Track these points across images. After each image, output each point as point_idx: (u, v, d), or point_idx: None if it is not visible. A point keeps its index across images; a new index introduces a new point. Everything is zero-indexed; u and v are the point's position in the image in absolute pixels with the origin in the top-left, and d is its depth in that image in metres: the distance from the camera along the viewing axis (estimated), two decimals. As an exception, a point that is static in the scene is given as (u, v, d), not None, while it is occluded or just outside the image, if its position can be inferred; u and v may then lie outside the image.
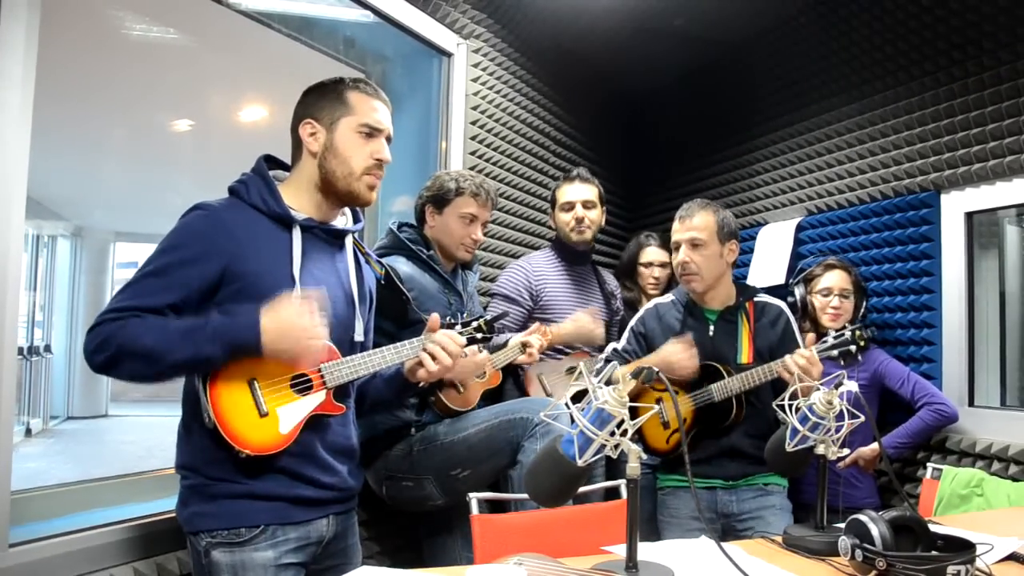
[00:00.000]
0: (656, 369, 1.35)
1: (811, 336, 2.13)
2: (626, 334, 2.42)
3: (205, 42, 2.95)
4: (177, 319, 1.42)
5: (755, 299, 2.34)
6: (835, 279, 2.70)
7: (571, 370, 2.62)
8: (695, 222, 2.27)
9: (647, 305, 2.45)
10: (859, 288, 2.71)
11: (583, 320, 2.57)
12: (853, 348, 2.06)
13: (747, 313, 2.30)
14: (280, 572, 1.49)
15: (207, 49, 2.97)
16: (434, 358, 1.65)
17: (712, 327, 2.30)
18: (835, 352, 2.07)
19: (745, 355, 2.25)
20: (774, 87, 3.46)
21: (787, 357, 2.05)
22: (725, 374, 2.19)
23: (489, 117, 3.12)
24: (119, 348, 1.36)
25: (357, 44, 2.94)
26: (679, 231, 2.29)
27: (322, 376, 1.54)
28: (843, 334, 2.07)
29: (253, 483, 1.48)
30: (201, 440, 1.47)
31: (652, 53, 3.74)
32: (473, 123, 3.02)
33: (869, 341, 2.09)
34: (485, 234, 2.41)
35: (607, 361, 2.40)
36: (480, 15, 3.06)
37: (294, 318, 1.43)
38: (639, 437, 2.35)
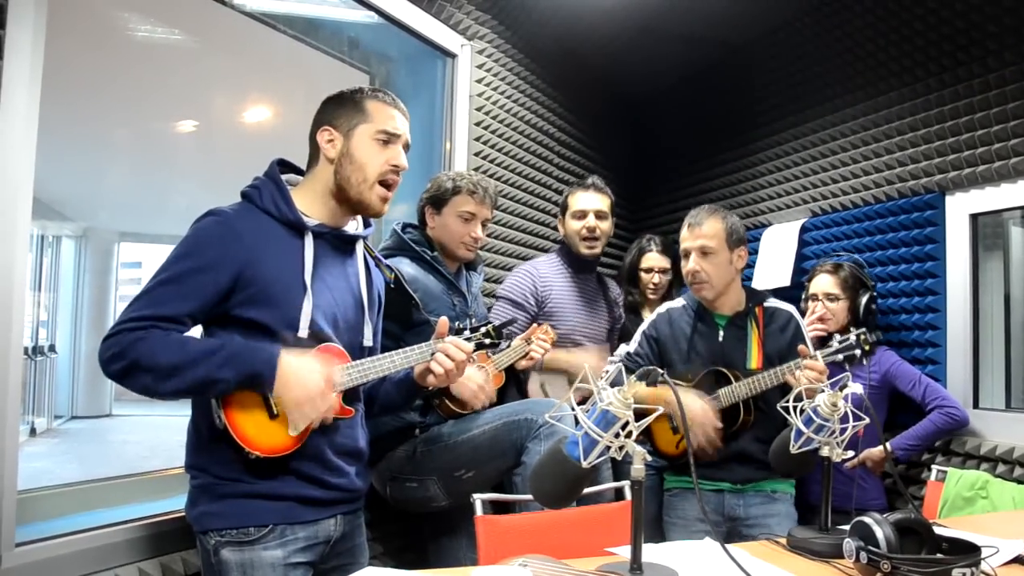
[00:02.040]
0: (660, 370, 1.35)
1: (802, 347, 2.11)
2: (638, 338, 2.41)
3: (210, 43, 2.95)
4: (197, 339, 1.43)
5: (765, 304, 2.33)
6: (819, 284, 2.71)
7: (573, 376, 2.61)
8: (705, 230, 2.25)
9: (659, 309, 2.44)
10: (852, 288, 2.69)
11: (590, 361, 2.51)
12: (858, 353, 2.05)
13: (756, 319, 2.30)
14: (289, 571, 1.50)
15: (212, 50, 2.97)
16: (444, 367, 1.65)
17: (722, 332, 2.29)
18: (840, 357, 2.06)
19: (754, 360, 2.25)
20: (778, 88, 3.46)
21: (797, 372, 2.04)
22: (733, 379, 2.18)
23: (493, 118, 3.13)
24: (135, 361, 1.36)
25: (361, 45, 2.94)
26: (688, 239, 2.28)
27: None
28: (848, 339, 2.06)
29: (262, 483, 1.49)
30: (210, 441, 1.48)
31: (656, 54, 3.74)
32: (477, 124, 3.02)
33: (875, 345, 2.07)
34: (488, 235, 2.40)
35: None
36: (484, 16, 3.06)
37: (313, 382, 1.44)
38: (649, 441, 2.35)
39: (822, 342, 2.55)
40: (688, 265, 2.27)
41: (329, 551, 1.61)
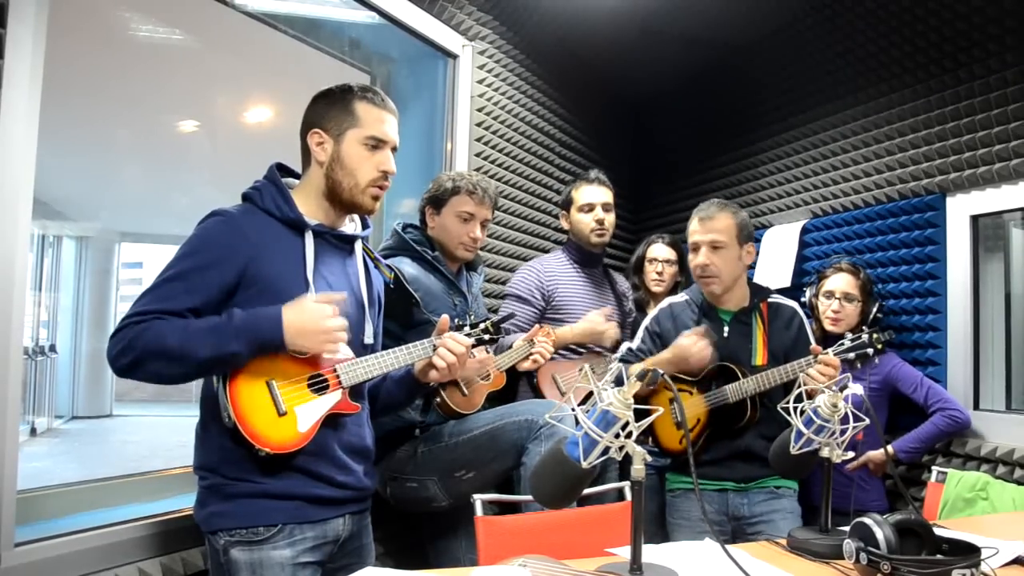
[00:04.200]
0: (661, 371, 1.35)
1: (815, 347, 2.11)
2: (640, 333, 2.41)
3: (211, 43, 2.95)
4: (199, 320, 1.44)
5: (769, 300, 2.33)
6: (839, 282, 2.69)
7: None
8: (716, 224, 2.24)
9: (661, 304, 2.44)
10: (867, 293, 2.70)
11: (594, 319, 2.57)
12: (871, 351, 2.03)
13: (761, 314, 2.30)
14: (297, 571, 1.51)
15: (213, 50, 2.97)
16: (445, 361, 1.67)
17: (727, 328, 2.29)
18: (852, 355, 2.05)
19: (759, 357, 2.24)
20: (779, 89, 3.46)
21: (810, 369, 2.03)
22: (740, 375, 2.18)
23: (494, 119, 3.13)
24: (143, 350, 1.38)
25: (363, 46, 2.94)
26: (699, 232, 2.27)
27: (338, 376, 1.56)
28: (860, 337, 2.05)
29: (270, 482, 1.50)
30: (219, 440, 1.49)
31: (657, 55, 3.74)
32: (478, 124, 3.02)
33: (887, 344, 2.06)
34: (489, 235, 2.40)
35: (622, 361, 2.39)
36: (485, 17, 3.06)
37: (316, 314, 1.46)
38: (652, 436, 2.35)
39: (829, 341, 2.55)
40: (698, 259, 2.26)
41: (338, 551, 1.62)
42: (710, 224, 2.25)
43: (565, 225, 2.85)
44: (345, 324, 1.52)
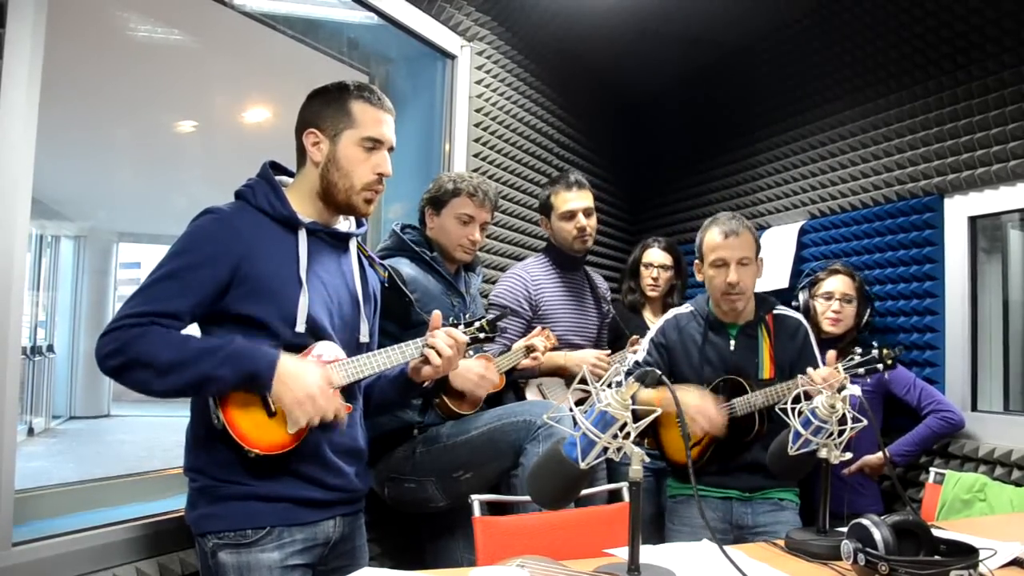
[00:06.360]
0: (659, 372, 1.35)
1: (832, 353, 2.09)
2: (646, 346, 2.38)
3: (210, 44, 2.95)
4: (198, 337, 1.43)
5: (774, 312, 2.31)
6: (837, 284, 2.69)
7: (571, 380, 2.60)
8: (743, 240, 2.20)
9: (666, 316, 2.41)
10: (862, 295, 2.71)
11: (586, 360, 2.53)
12: (880, 367, 2.00)
13: (767, 327, 2.28)
14: (286, 573, 1.50)
15: (212, 51, 2.98)
16: (438, 353, 1.65)
17: (733, 341, 2.27)
18: (862, 370, 2.01)
19: (766, 370, 2.23)
20: (777, 90, 3.46)
21: (812, 375, 1.99)
22: (748, 389, 2.17)
23: (492, 119, 3.13)
24: (134, 356, 1.35)
25: (361, 46, 2.95)
26: (726, 249, 2.20)
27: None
28: (871, 351, 2.02)
29: (260, 484, 1.49)
30: (209, 442, 1.48)
31: (655, 55, 3.74)
32: (476, 125, 3.03)
33: (896, 360, 2.04)
34: (487, 235, 2.39)
35: (628, 374, 2.36)
36: (484, 17, 3.06)
37: (312, 376, 1.45)
38: (660, 450, 2.35)
39: (825, 343, 2.55)
40: (729, 276, 2.19)
41: (329, 553, 1.61)
42: (737, 241, 2.20)
43: (545, 231, 2.81)
44: (335, 412, 1.50)
